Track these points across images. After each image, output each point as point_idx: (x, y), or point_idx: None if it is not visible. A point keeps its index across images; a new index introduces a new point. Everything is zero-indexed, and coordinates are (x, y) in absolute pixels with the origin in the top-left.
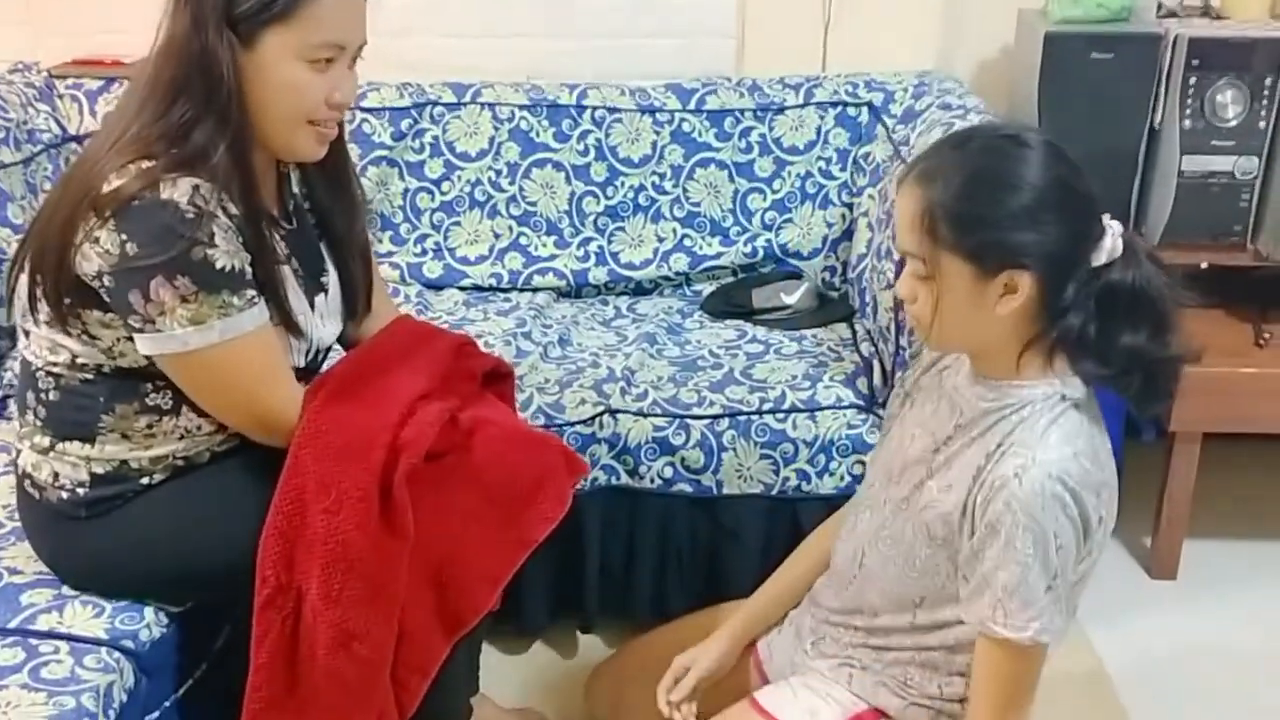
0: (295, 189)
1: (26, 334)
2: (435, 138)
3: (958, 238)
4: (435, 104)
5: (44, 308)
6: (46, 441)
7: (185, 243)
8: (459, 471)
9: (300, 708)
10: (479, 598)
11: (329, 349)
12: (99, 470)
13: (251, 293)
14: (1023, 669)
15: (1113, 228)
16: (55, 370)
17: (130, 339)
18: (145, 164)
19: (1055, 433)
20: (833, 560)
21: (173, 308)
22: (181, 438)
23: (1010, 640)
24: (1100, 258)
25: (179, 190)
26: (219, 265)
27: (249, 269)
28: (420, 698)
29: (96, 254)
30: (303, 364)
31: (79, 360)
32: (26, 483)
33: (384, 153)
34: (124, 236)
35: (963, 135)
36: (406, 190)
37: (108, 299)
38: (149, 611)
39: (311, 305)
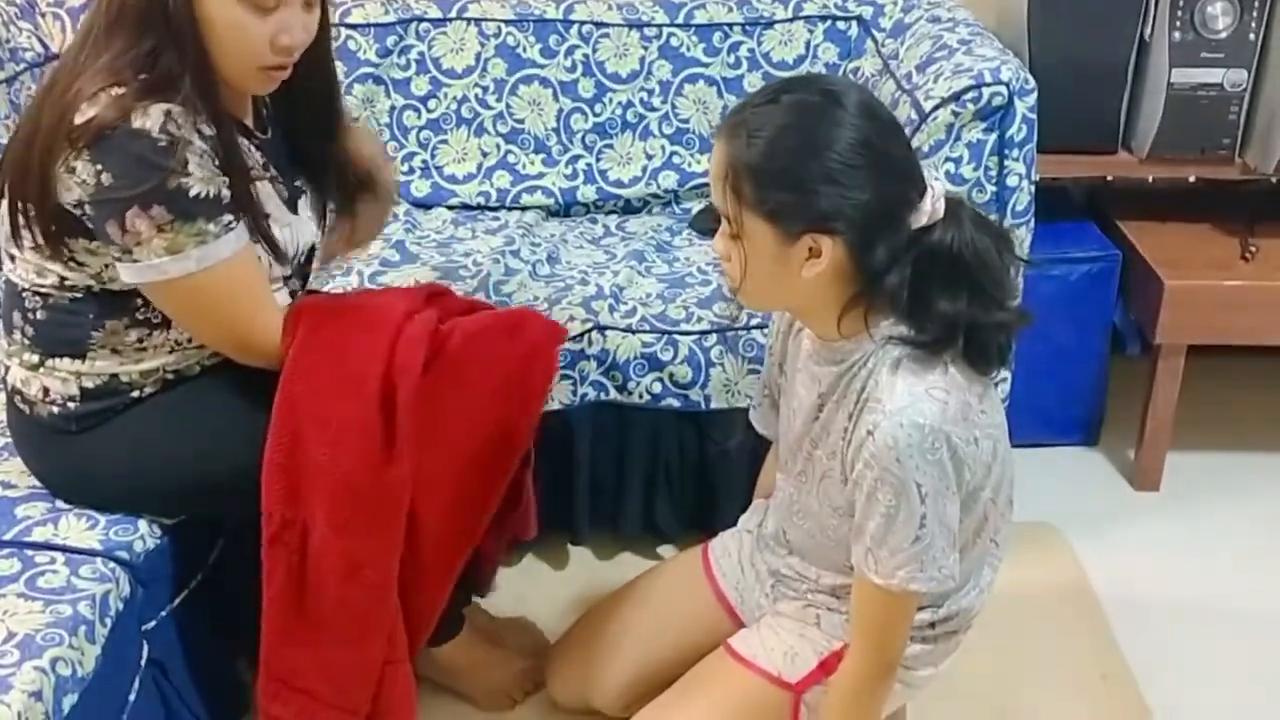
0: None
1: (11, 258)
2: (421, 54)
3: (759, 198)
4: (421, 20)
5: (29, 235)
6: (35, 358)
7: (160, 173)
8: (446, 377)
9: (313, 638)
10: (489, 497)
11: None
12: (89, 385)
13: (228, 218)
14: (891, 613)
15: (933, 189)
16: (43, 290)
17: (115, 266)
18: (116, 91)
19: (901, 378)
20: (765, 527)
21: (149, 238)
22: (171, 351)
23: (879, 585)
24: (920, 220)
25: (151, 118)
26: (194, 193)
27: (225, 192)
28: (438, 612)
29: (75, 184)
30: (289, 269)
31: (67, 282)
32: (16, 398)
33: (369, 70)
34: (99, 167)
35: (777, 88)
36: (393, 108)
37: (90, 226)
38: (143, 524)
39: (295, 209)
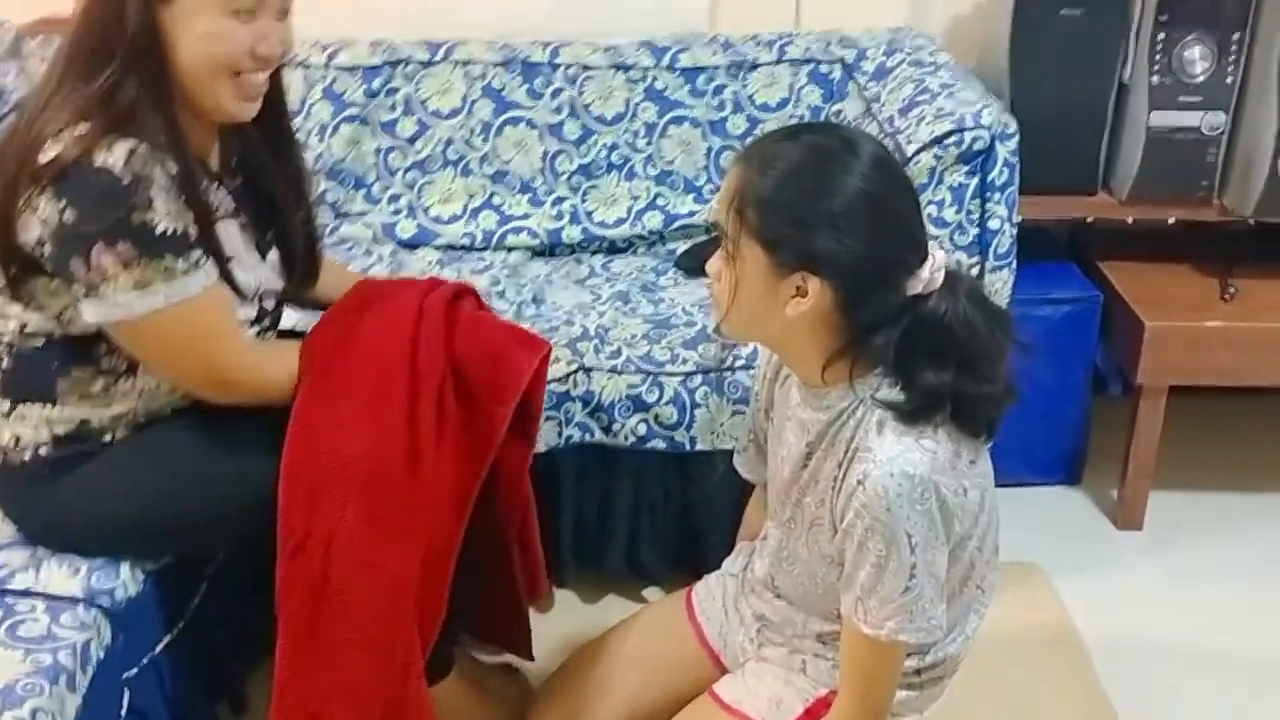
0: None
1: None
2: (408, 96)
3: (759, 224)
4: (408, 61)
5: None
6: (6, 405)
7: (124, 209)
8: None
9: (331, 657)
10: (470, 487)
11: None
12: (60, 431)
13: (197, 254)
14: (880, 662)
15: (934, 259)
16: (6, 339)
17: (78, 306)
18: (80, 128)
19: (890, 426)
20: (751, 571)
21: (115, 274)
22: (140, 395)
23: (868, 635)
24: (916, 286)
25: (114, 155)
26: (159, 229)
27: (192, 229)
28: (441, 615)
29: (37, 222)
30: (254, 310)
31: (27, 329)
32: None
33: (356, 110)
34: (62, 204)
35: (800, 127)
36: (379, 149)
37: (50, 267)
38: (125, 570)
39: (264, 256)
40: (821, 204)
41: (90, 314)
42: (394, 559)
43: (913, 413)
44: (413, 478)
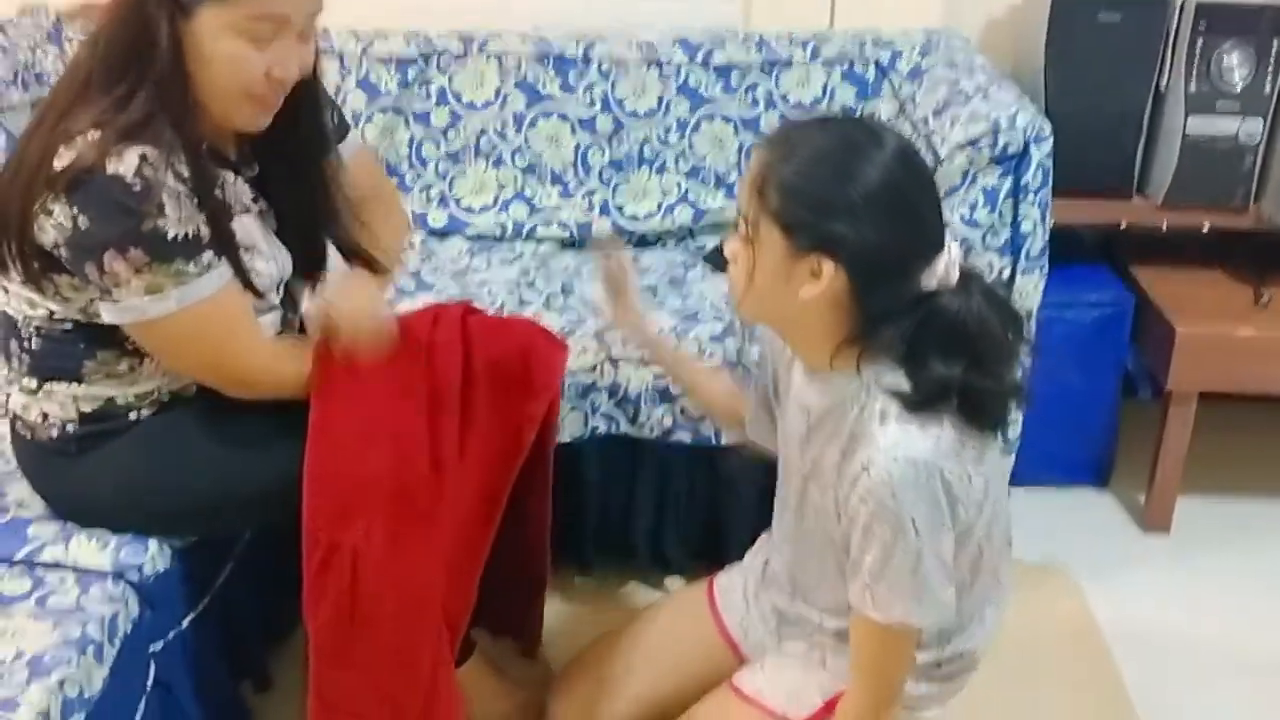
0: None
1: (4, 289)
2: (442, 87)
3: (780, 206)
4: (442, 53)
5: (15, 269)
6: (34, 383)
7: (134, 217)
8: (472, 378)
9: (364, 661)
10: (501, 490)
11: None
12: (86, 408)
13: (208, 257)
14: (891, 649)
15: (949, 255)
16: (35, 323)
17: (97, 304)
18: (93, 134)
19: (894, 414)
20: (770, 565)
21: (128, 279)
22: (164, 374)
23: (878, 622)
24: (930, 281)
25: (125, 163)
26: (170, 235)
27: (205, 230)
28: (469, 612)
29: (51, 226)
30: (277, 300)
31: (56, 315)
32: (18, 424)
33: (390, 101)
34: (75, 211)
35: (827, 117)
36: (412, 139)
37: (69, 267)
38: (153, 545)
39: (284, 242)
40: (842, 191)
41: (107, 315)
42: (420, 572)
43: (918, 403)
44: (437, 490)
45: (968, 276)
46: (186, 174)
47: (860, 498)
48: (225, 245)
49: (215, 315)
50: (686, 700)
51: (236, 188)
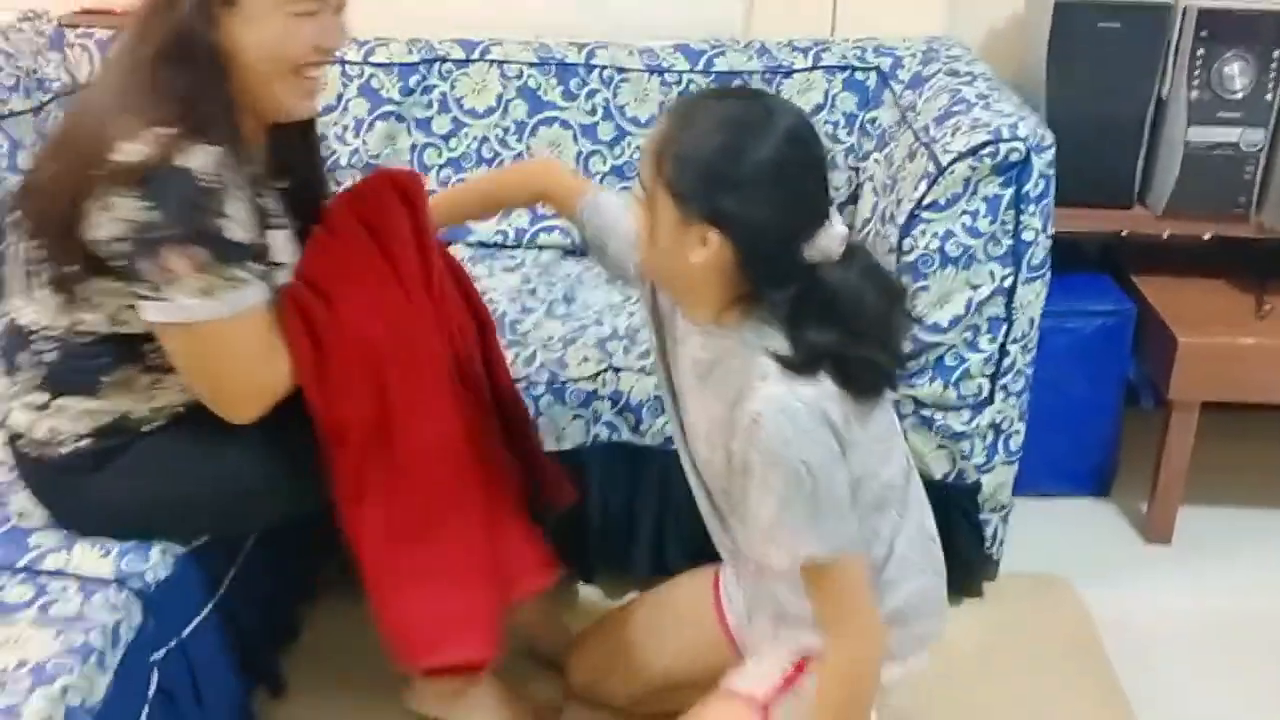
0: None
1: (22, 299)
2: (443, 94)
3: (672, 176)
4: (444, 60)
5: (46, 273)
6: (44, 398)
7: (203, 214)
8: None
9: (414, 529)
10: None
11: None
12: (100, 422)
13: (260, 267)
14: (827, 581)
15: (832, 230)
16: (54, 335)
17: (132, 307)
18: (161, 130)
19: (774, 373)
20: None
21: (184, 277)
22: (183, 389)
23: (790, 566)
24: (814, 255)
25: (198, 160)
26: (233, 237)
27: (260, 241)
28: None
29: (110, 220)
30: None
31: (80, 326)
32: (19, 443)
33: (392, 108)
34: (145, 204)
35: (727, 91)
36: (414, 146)
37: (117, 264)
38: (155, 552)
39: None
40: (727, 165)
41: (151, 314)
42: (432, 422)
43: (797, 366)
44: (425, 330)
45: (853, 251)
46: (242, 182)
47: (752, 446)
48: (264, 257)
49: (254, 326)
50: (690, 671)
51: (270, 201)
